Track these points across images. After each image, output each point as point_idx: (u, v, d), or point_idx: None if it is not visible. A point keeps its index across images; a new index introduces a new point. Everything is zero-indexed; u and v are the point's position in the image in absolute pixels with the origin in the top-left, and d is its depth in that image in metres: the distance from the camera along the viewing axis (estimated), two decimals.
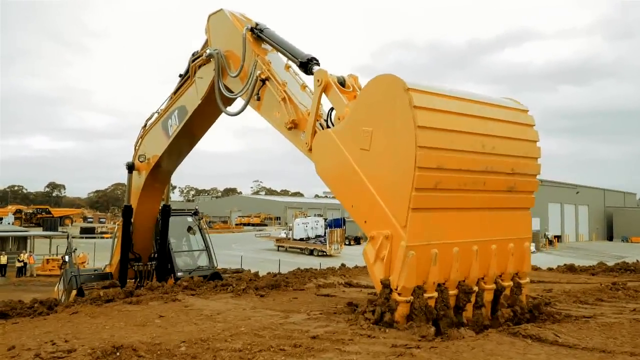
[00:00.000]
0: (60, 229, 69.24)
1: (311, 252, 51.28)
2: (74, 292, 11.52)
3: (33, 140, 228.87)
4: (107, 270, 12.98)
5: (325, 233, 53.66)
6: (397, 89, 4.62)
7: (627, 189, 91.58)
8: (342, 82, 5.95)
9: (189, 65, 9.02)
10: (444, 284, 4.80)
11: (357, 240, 63.36)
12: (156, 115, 10.45)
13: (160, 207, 12.22)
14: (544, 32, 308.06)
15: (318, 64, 6.30)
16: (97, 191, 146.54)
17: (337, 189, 5.56)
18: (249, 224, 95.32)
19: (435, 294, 4.69)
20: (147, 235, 12.30)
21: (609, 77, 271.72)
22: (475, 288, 5.05)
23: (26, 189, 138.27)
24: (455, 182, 4.74)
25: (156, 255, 12.45)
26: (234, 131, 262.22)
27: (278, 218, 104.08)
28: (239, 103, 7.77)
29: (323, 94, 5.91)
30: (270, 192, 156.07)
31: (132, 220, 11.75)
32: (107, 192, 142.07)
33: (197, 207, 14.79)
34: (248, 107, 7.35)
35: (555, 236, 65.04)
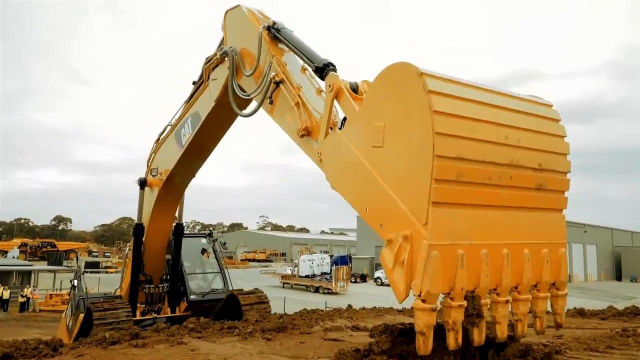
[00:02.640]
0: (65, 262, 69.06)
1: (317, 290, 50.67)
2: (82, 315, 11.16)
3: (42, 173, 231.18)
4: (117, 293, 12.54)
5: (331, 270, 53.16)
6: (409, 75, 4.28)
7: (635, 229, 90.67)
8: (354, 89, 5.61)
9: (202, 70, 8.78)
10: (473, 292, 4.26)
11: (364, 278, 62.71)
12: (169, 128, 10.21)
13: (172, 226, 11.79)
14: (549, 73, 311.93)
15: (334, 70, 5.97)
16: (103, 225, 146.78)
17: (349, 193, 5.10)
18: (254, 260, 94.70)
19: (465, 303, 4.17)
20: (159, 256, 11.85)
21: (615, 116, 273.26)
22: (510, 298, 4.57)
23: (32, 222, 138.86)
24: (479, 175, 4.31)
25: (168, 277, 12.03)
26: (242, 167, 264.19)
27: (283, 254, 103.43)
28: (252, 105, 7.49)
29: (335, 100, 5.59)
30: (276, 227, 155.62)
31: (144, 239, 11.29)
32: (113, 226, 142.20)
33: (211, 229, 14.50)
34: (261, 110, 7.02)
35: None
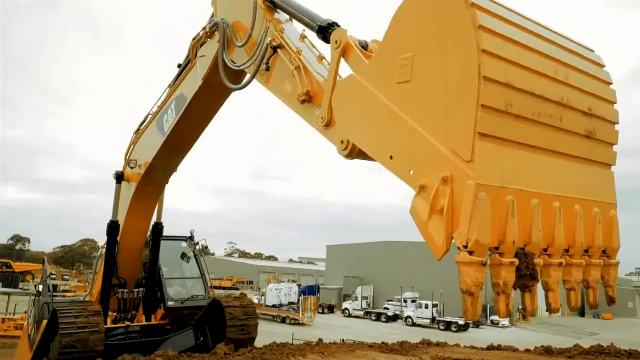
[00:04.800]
0: (21, 285, 66.19)
1: (283, 320, 49.86)
2: (45, 322, 10.09)
3: (1, 190, 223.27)
4: (87, 299, 11.37)
5: (298, 300, 52.54)
6: None
7: None
8: (364, 47, 5.04)
9: (189, 49, 8.09)
10: (523, 249, 3.58)
11: (331, 309, 62.07)
12: (150, 117, 9.46)
13: (150, 225, 10.87)
14: None
15: None
16: (63, 246, 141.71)
17: (369, 143, 4.39)
18: (220, 287, 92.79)
19: (516, 260, 3.48)
20: (135, 258, 10.85)
21: None
22: (563, 261, 3.88)
23: None
24: (528, 109, 3.68)
25: (144, 281, 11.05)
26: (211, 191, 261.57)
27: (250, 282, 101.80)
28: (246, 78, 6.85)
29: (342, 59, 4.94)
30: (244, 254, 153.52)
31: (118, 238, 10.30)
32: (74, 247, 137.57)
33: (192, 231, 12.98)
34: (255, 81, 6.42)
35: None
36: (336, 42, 4.95)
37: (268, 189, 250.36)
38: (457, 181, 3.43)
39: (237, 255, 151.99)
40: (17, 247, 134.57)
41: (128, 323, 10.81)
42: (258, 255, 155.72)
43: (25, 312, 19.09)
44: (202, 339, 10.62)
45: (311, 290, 55.76)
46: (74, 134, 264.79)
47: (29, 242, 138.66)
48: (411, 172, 3.82)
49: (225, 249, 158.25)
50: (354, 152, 4.70)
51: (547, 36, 4.09)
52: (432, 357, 8.95)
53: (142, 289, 11.02)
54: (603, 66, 4.60)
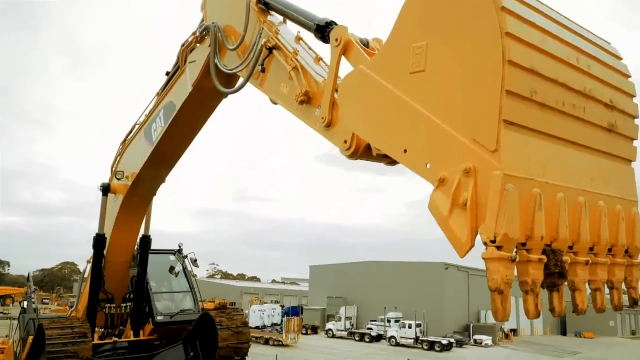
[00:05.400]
0: (0, 308, 64.71)
1: (267, 342, 49.40)
2: (31, 338, 9.94)
3: None
4: (72, 315, 11.02)
5: (281, 321, 52.16)
6: None
7: None
8: (365, 45, 4.86)
9: (178, 56, 7.84)
10: (550, 246, 3.35)
11: (315, 330, 61.66)
12: (137, 127, 9.26)
13: (138, 238, 10.62)
14: None
15: None
16: (42, 269, 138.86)
17: (380, 138, 4.13)
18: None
19: (544, 257, 3.26)
20: (122, 272, 10.64)
21: None
22: (589, 259, 3.67)
23: None
24: (552, 97, 3.48)
25: (131, 296, 10.76)
26: (191, 213, 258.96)
27: (233, 303, 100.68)
28: (239, 81, 6.63)
29: (342, 57, 4.75)
30: (226, 275, 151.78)
31: (105, 252, 10.09)
32: (54, 270, 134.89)
33: (180, 244, 12.68)
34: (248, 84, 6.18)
35: (511, 330, 65.18)
36: (336, 40, 4.79)
37: (250, 210, 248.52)
38: (480, 172, 3.22)
39: (219, 276, 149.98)
40: None
41: (116, 339, 10.59)
42: (240, 277, 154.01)
43: (7, 337, 18.73)
44: (192, 354, 10.42)
45: (294, 311, 55.38)
46: (55, 157, 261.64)
47: (9, 265, 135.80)
48: (428, 165, 3.61)
49: (207, 270, 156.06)
50: (358, 152, 4.56)
51: (568, 25, 3.93)
52: None
53: (129, 303, 10.78)
54: (621, 58, 4.45)
